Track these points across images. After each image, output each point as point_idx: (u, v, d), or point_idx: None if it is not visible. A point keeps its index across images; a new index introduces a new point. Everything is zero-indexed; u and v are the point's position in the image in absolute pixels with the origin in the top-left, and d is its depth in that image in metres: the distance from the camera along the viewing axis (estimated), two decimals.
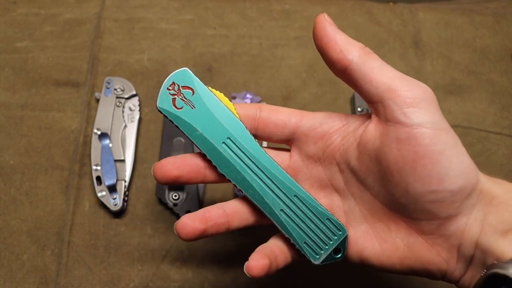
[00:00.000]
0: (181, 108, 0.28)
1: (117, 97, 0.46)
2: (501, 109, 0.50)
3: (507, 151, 0.48)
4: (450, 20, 0.55)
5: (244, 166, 0.28)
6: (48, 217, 0.43)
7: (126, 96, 0.46)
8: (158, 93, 0.28)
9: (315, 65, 0.51)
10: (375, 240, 0.28)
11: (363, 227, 0.29)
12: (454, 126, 0.39)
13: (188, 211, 0.42)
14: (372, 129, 0.27)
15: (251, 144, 0.29)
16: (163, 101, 0.28)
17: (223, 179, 0.29)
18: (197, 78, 0.28)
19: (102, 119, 0.45)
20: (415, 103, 0.25)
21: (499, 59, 0.52)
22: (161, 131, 0.46)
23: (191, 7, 0.53)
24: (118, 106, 0.46)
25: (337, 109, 0.49)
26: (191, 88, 0.28)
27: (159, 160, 0.44)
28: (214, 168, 0.29)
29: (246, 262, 0.28)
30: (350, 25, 0.53)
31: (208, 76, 0.50)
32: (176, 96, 0.28)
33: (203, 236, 0.28)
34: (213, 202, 0.44)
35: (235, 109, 0.29)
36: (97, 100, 0.47)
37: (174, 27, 0.52)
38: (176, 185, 0.29)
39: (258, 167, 0.29)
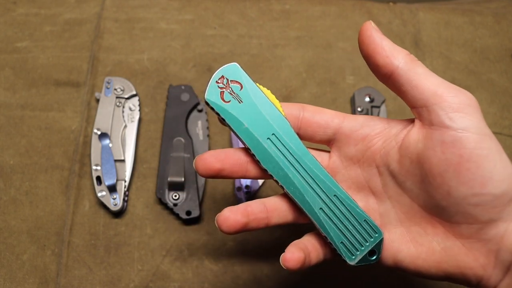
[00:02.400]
0: (228, 102, 0.29)
1: (117, 97, 0.46)
2: (501, 109, 0.50)
3: (507, 151, 0.48)
4: (450, 20, 0.54)
5: (287, 162, 0.29)
6: (48, 217, 0.43)
7: (126, 96, 0.46)
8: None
9: (315, 65, 0.51)
10: (411, 243, 0.28)
11: (398, 230, 0.29)
12: None
13: (188, 212, 0.42)
14: (415, 132, 0.27)
15: (295, 141, 0.29)
16: (212, 93, 0.29)
17: (265, 175, 0.30)
18: (246, 74, 0.29)
19: (102, 119, 0.45)
20: (460, 108, 0.25)
21: (499, 59, 0.52)
22: (161, 131, 0.46)
23: (191, 7, 0.53)
24: (118, 106, 0.46)
25: (337, 109, 0.49)
26: (239, 83, 0.29)
27: (159, 160, 0.44)
28: (256, 163, 0.29)
29: (282, 254, 0.28)
30: (350, 25, 0.53)
31: (208, 76, 0.50)
32: (224, 90, 0.29)
33: (244, 229, 0.29)
34: (213, 202, 0.44)
35: (281, 107, 0.29)
36: (97, 100, 0.47)
37: (174, 27, 0.52)
38: (218, 178, 0.30)
39: (300, 164, 0.29)
